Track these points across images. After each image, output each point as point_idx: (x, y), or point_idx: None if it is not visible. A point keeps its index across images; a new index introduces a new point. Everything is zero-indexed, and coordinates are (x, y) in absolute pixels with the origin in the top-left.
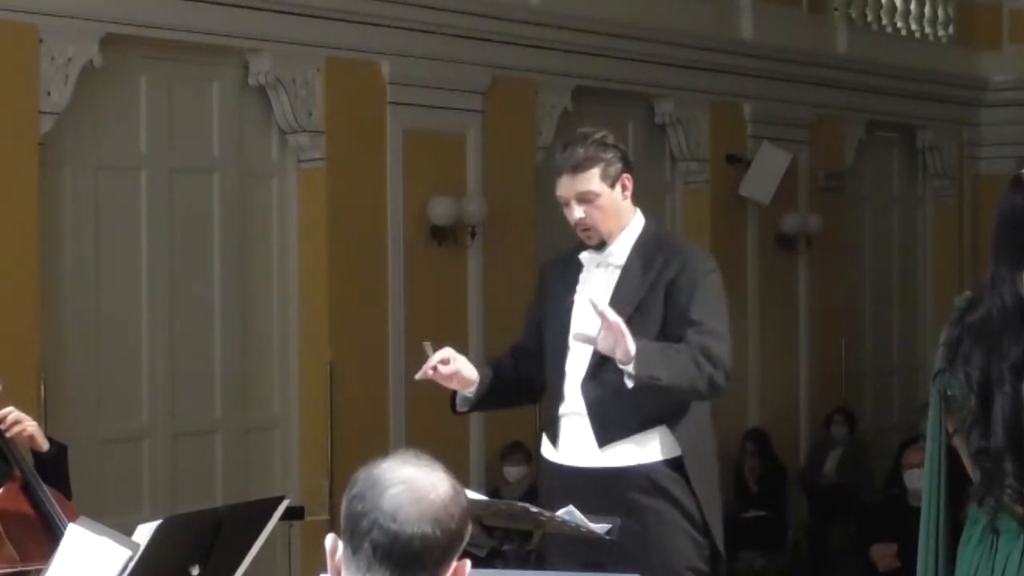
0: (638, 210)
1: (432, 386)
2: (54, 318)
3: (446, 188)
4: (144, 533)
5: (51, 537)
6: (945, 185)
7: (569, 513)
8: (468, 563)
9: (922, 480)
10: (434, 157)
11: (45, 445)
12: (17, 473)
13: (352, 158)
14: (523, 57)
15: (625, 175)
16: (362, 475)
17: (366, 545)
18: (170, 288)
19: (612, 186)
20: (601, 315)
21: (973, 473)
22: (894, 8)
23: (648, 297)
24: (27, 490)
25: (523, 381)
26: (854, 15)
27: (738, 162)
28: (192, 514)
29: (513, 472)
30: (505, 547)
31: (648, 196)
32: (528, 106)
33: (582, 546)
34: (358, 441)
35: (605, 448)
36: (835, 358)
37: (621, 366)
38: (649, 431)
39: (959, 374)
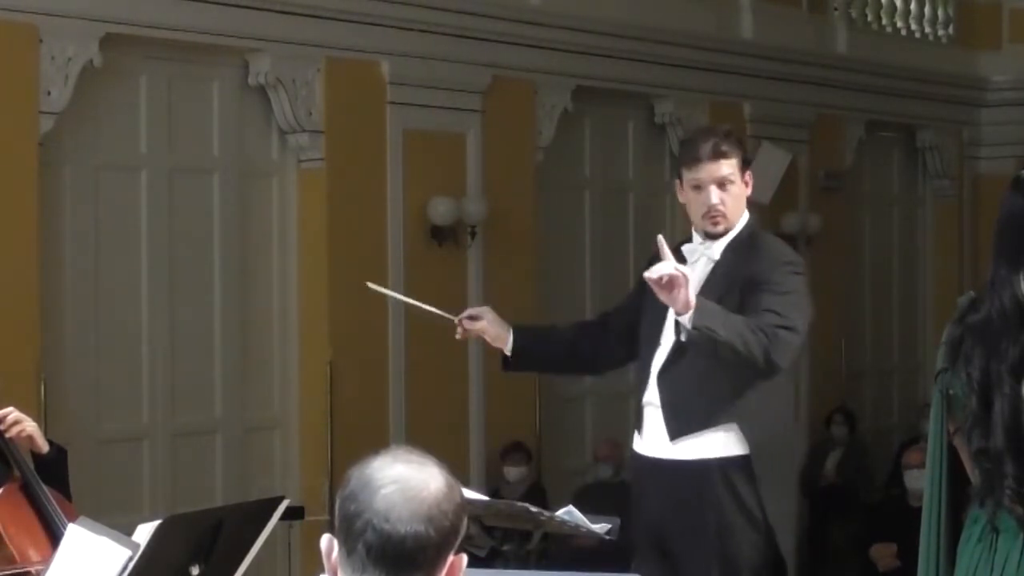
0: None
1: (431, 386)
2: (54, 318)
3: (446, 188)
4: (144, 533)
5: (51, 537)
6: (945, 185)
7: (569, 513)
8: (464, 557)
9: (923, 479)
10: (434, 157)
11: (45, 447)
12: (17, 474)
13: (352, 158)
14: (523, 57)
15: (748, 172)
16: (354, 474)
17: (360, 546)
18: (170, 288)
19: (742, 178)
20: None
21: (973, 473)
22: (894, 8)
23: (726, 296)
24: (27, 490)
25: (580, 348)
26: (854, 15)
27: None
28: (192, 514)
29: (513, 472)
30: (505, 547)
31: (648, 196)
32: (528, 106)
33: (653, 535)
34: (358, 441)
35: (676, 441)
36: (835, 358)
37: (678, 317)
38: (719, 427)
39: (961, 373)
